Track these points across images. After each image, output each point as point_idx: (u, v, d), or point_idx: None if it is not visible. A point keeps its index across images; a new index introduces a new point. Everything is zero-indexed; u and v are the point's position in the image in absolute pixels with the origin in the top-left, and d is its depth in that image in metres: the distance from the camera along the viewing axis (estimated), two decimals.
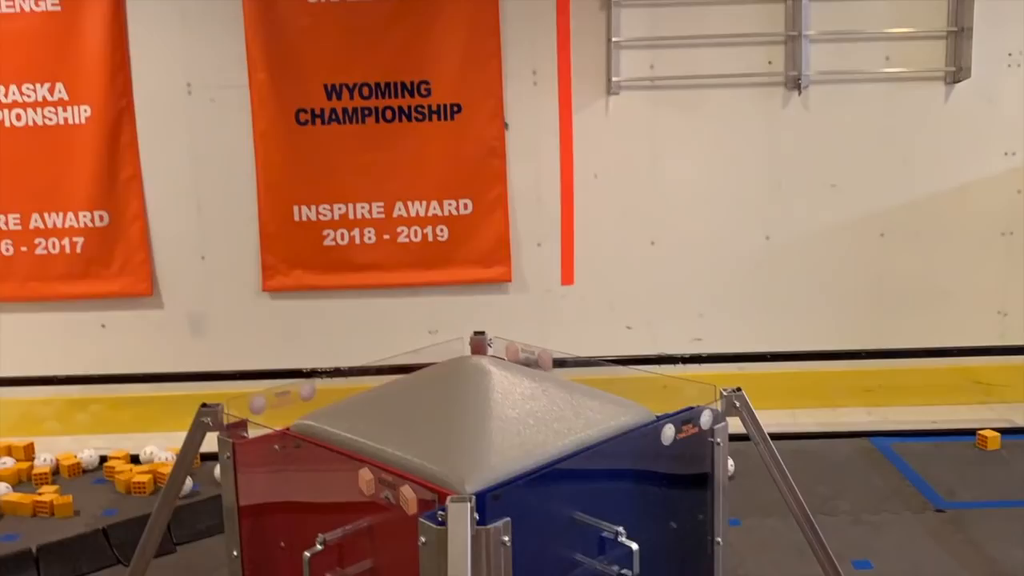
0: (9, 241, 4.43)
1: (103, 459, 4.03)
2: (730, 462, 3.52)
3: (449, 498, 1.37)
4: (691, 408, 1.83)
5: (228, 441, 1.78)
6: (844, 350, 4.39)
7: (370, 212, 4.42)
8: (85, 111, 4.33)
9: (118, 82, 4.32)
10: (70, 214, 4.42)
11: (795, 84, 4.30)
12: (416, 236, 4.44)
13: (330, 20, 4.26)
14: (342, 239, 4.44)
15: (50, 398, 4.51)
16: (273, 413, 1.86)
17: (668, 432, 1.74)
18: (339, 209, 4.41)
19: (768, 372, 4.39)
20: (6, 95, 4.31)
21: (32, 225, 4.42)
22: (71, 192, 4.40)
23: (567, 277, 4.51)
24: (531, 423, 1.69)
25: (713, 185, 4.43)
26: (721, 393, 1.86)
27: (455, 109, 4.33)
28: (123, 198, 4.42)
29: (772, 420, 4.23)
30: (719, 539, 1.81)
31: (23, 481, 3.89)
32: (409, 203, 4.41)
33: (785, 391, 4.44)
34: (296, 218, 4.42)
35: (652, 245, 4.47)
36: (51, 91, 4.31)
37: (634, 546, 1.58)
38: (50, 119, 4.34)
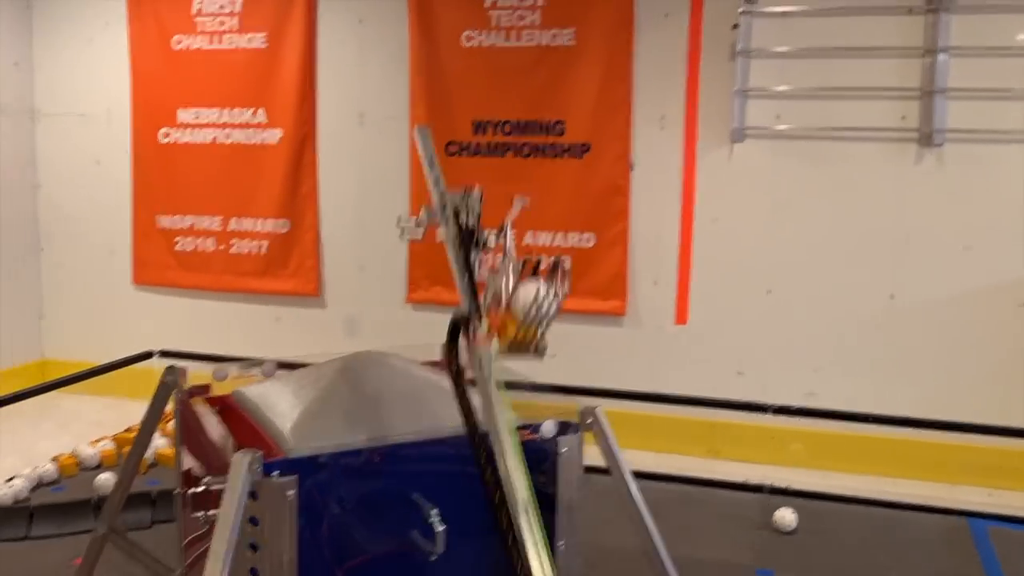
0: (212, 239, 5.27)
1: None
2: (791, 515, 3.57)
3: (251, 458, 1.65)
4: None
5: (179, 399, 2.20)
6: (965, 423, 4.14)
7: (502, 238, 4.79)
8: (278, 133, 5.08)
9: (305, 110, 5.03)
10: (259, 220, 5.18)
11: (929, 141, 4.16)
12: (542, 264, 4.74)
13: (481, 63, 4.72)
14: None
15: None
16: (235, 383, 2.26)
17: None
18: None
19: (881, 436, 4.24)
20: (220, 116, 5.17)
21: (230, 227, 5.23)
22: (262, 201, 5.16)
23: (681, 316, 4.62)
24: (382, 412, 1.94)
25: (836, 239, 4.37)
26: (579, 409, 1.99)
27: (585, 148, 4.62)
28: (301, 209, 5.12)
29: (873, 487, 4.14)
30: (561, 543, 1.94)
31: None
32: (537, 232, 4.73)
33: (894, 457, 4.27)
34: (438, 239, 4.88)
35: (768, 294, 4.48)
36: (254, 115, 5.11)
37: (440, 527, 1.77)
38: (251, 139, 5.13)
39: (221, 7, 5.07)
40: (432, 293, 4.94)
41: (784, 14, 4.26)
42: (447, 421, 1.89)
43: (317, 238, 5.13)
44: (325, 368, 2.11)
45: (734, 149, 4.44)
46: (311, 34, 4.97)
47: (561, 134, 4.65)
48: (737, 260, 4.51)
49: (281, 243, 5.17)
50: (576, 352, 4.77)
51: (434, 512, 1.80)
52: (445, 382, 2.13)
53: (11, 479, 3.84)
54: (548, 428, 1.95)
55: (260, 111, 5.09)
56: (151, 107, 5.28)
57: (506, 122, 4.72)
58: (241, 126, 5.13)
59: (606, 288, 4.67)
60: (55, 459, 4.13)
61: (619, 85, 4.53)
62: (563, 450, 1.95)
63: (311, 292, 5.16)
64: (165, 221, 5.33)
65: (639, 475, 4.12)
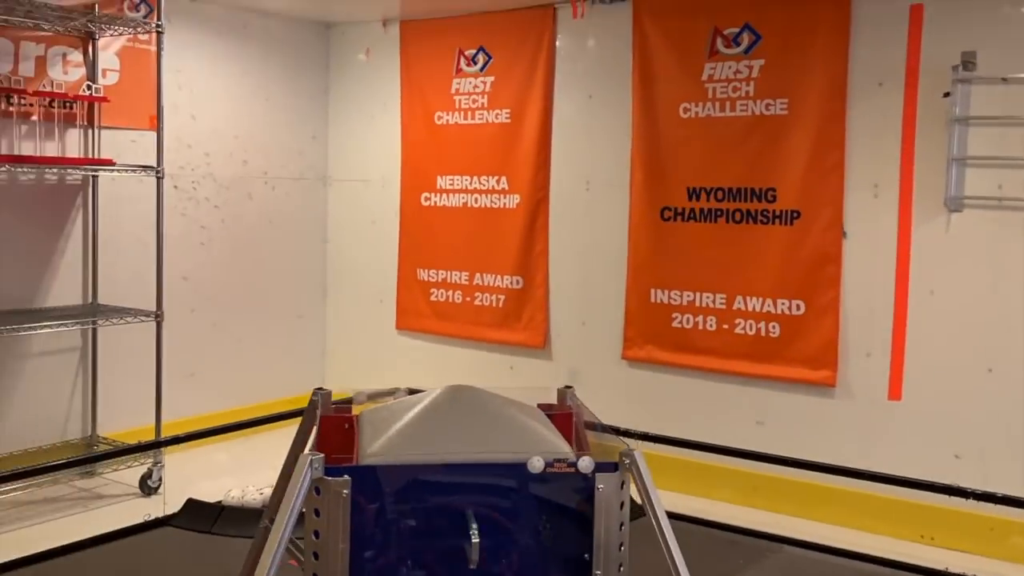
0: (459, 292, 5.87)
1: None
2: None
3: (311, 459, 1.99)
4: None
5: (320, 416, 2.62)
6: None
7: (713, 302, 4.89)
8: (516, 198, 5.58)
9: (540, 177, 5.49)
10: (498, 276, 5.69)
11: None
12: (751, 329, 4.79)
13: (696, 133, 4.90)
14: (687, 323, 4.98)
15: None
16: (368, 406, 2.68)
17: (536, 463, 2.11)
18: (687, 296, 4.97)
19: None
20: (470, 183, 5.77)
21: (475, 282, 5.80)
22: (501, 259, 5.68)
23: (895, 391, 4.43)
24: (454, 435, 2.24)
25: None
26: (620, 451, 2.14)
27: (795, 215, 4.62)
28: (534, 268, 5.56)
29: None
30: (598, 572, 2.12)
31: None
32: (747, 298, 4.78)
33: None
34: (652, 299, 5.09)
35: (989, 372, 4.18)
36: (498, 182, 5.66)
37: (475, 538, 1.98)
38: (494, 203, 5.68)
39: (475, 87, 5.70)
40: (645, 351, 5.14)
41: (1005, 80, 4.03)
42: (506, 449, 2.15)
43: (546, 294, 5.53)
44: (427, 396, 2.45)
45: (952, 219, 4.23)
46: (548, 110, 5.43)
47: (772, 200, 4.69)
48: (955, 335, 4.26)
49: (515, 298, 5.64)
50: (783, 421, 4.75)
51: (474, 525, 2.03)
52: (527, 419, 2.38)
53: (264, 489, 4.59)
54: (586, 464, 2.11)
55: (503, 178, 5.63)
56: (416, 174, 6.02)
57: (719, 188, 4.84)
58: (486, 192, 5.70)
59: (816, 358, 4.61)
60: None
61: (831, 152, 4.50)
62: (600, 487, 2.09)
63: (539, 344, 5.56)
64: (423, 274, 6.02)
65: (849, 554, 4.06)
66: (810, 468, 4.29)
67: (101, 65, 5.04)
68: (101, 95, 4.98)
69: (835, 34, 4.48)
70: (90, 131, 5.04)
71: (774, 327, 4.71)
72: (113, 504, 4.71)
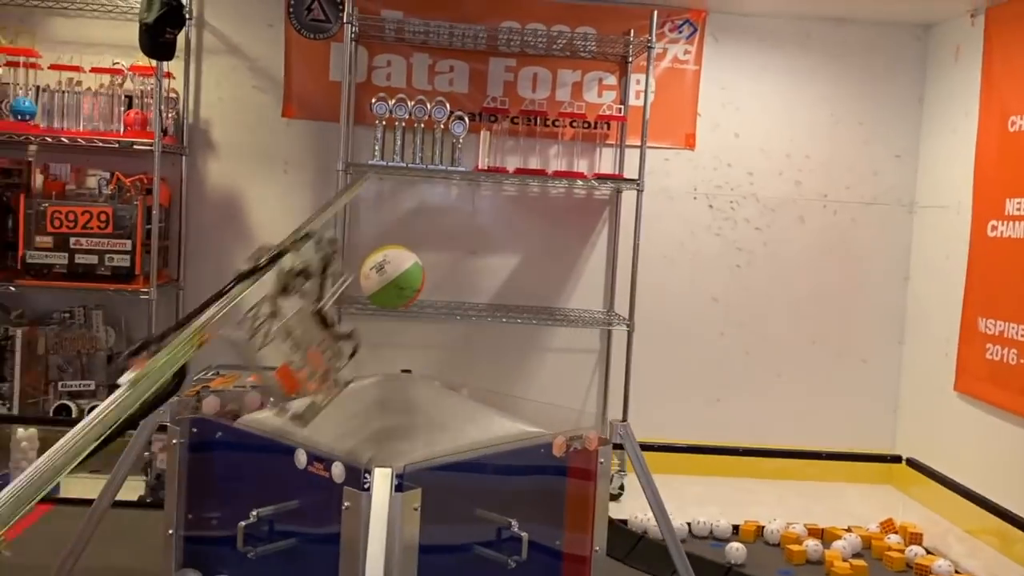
0: (1016, 351, 4.45)
1: None
2: None
3: (375, 468, 1.78)
4: None
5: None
6: None
7: None
8: None
9: None
10: None
11: None
12: None
13: None
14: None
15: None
16: None
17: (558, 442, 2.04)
18: None
19: None
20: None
21: None
22: None
23: None
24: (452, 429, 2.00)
25: None
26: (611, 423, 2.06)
27: None
28: None
29: None
30: (597, 547, 1.99)
31: None
32: None
33: None
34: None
35: None
36: None
37: (524, 535, 1.87)
38: None
39: None
40: None
41: None
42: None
43: None
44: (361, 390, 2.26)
45: None
46: None
47: None
48: None
49: None
50: None
51: (514, 522, 1.92)
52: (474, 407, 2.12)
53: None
54: (592, 439, 2.06)
55: None
56: (985, 197, 4.77)
57: None
58: None
59: None
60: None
61: None
62: (601, 461, 2.05)
63: None
64: (983, 324, 4.73)
65: None
66: None
67: (635, 87, 5.35)
68: (623, 115, 5.30)
69: None
70: (618, 150, 5.39)
71: None
72: None
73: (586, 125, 5.35)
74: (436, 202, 5.38)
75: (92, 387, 4.84)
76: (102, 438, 1.60)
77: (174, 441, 2.16)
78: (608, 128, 5.35)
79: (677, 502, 4.26)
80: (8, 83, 4.75)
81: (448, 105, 4.94)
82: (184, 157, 5.18)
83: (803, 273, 5.53)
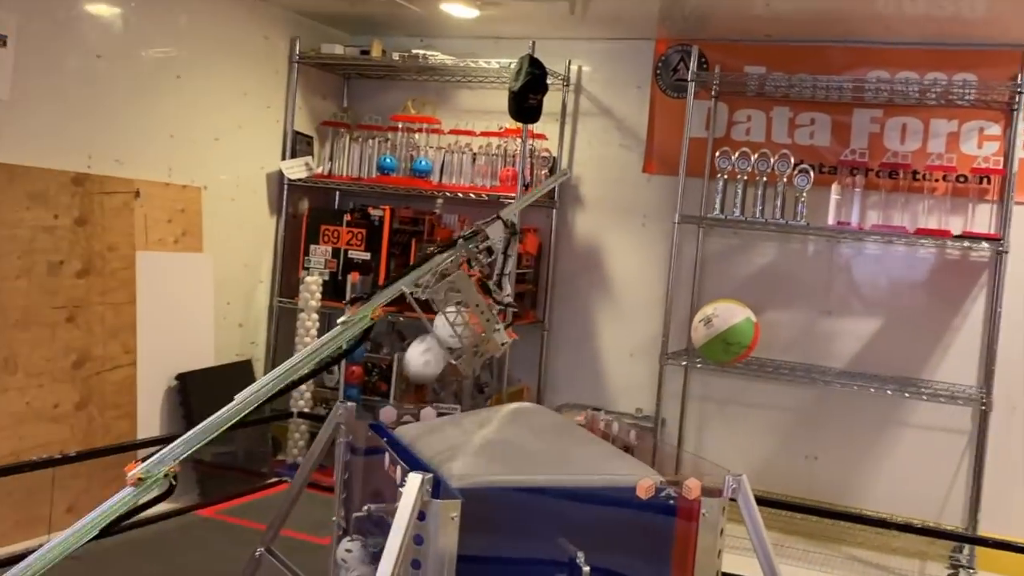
0: None
1: None
2: None
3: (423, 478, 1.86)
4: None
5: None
6: None
7: None
8: None
9: None
10: None
11: None
12: None
13: None
14: None
15: None
16: None
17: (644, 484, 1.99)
18: None
19: None
20: None
21: None
22: None
23: None
24: (538, 456, 2.14)
25: None
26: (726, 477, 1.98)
27: None
28: None
29: None
30: None
31: None
32: None
33: None
34: None
35: None
36: None
37: (586, 568, 1.86)
38: None
39: None
40: None
41: None
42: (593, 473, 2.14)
43: None
44: (490, 414, 2.42)
45: None
46: None
47: None
48: None
49: None
50: None
51: (580, 553, 1.90)
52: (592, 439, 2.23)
53: None
54: (692, 487, 1.98)
55: None
56: None
57: None
58: None
59: None
60: None
61: None
62: (704, 512, 1.98)
63: None
64: None
65: None
66: None
67: (1023, 138, 4.71)
68: (1002, 168, 4.69)
69: None
70: (995, 206, 4.77)
71: None
72: None
73: (961, 179, 4.82)
74: (789, 258, 5.22)
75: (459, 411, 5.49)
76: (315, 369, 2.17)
77: (339, 440, 2.54)
78: (986, 183, 4.76)
79: None
80: (418, 146, 5.66)
81: (792, 158, 4.81)
82: (555, 210, 5.68)
83: None
